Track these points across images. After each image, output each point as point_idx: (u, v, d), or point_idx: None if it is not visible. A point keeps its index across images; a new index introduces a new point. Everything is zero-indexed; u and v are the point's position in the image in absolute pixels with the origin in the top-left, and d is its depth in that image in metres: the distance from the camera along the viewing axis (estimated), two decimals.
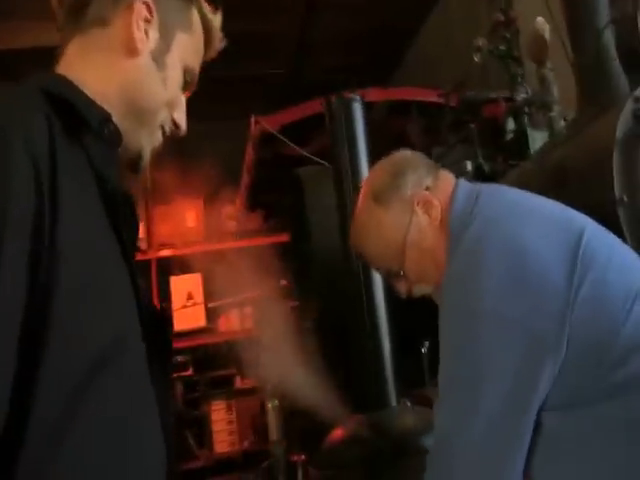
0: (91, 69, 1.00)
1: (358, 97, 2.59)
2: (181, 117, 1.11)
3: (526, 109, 2.65)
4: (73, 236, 0.81)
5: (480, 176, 3.03)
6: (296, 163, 3.89)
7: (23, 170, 0.78)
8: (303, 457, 3.40)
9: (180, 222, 9.18)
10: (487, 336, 1.20)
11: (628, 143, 1.75)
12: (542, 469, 1.23)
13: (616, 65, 1.93)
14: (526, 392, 1.19)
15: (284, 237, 4.90)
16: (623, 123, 1.77)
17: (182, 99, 1.11)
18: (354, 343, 2.50)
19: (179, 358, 8.53)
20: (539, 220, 1.34)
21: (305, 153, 3.69)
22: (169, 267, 8.51)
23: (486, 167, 3.07)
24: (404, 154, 1.60)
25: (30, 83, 0.94)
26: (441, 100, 3.37)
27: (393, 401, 2.41)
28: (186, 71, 1.08)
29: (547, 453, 1.21)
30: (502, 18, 2.73)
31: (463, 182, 1.53)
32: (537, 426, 1.21)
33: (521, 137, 2.75)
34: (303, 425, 3.78)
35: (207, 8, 1.13)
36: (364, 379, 2.47)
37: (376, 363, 2.44)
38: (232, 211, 8.08)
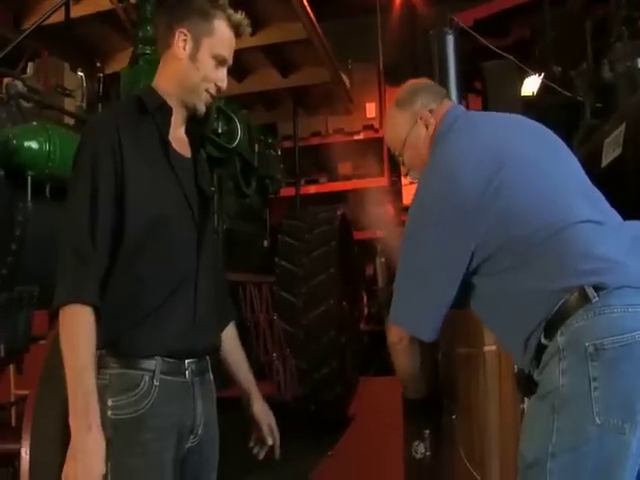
0: (163, 75, 1.83)
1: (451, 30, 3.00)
2: (221, 80, 1.82)
3: None
4: (132, 165, 1.68)
5: None
6: (491, 56, 4.21)
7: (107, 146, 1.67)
8: None
9: None
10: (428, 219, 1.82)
11: None
12: (477, 308, 1.87)
13: None
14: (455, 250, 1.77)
15: None
16: None
17: (218, 72, 1.82)
18: None
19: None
20: (473, 152, 1.82)
21: (492, 47, 4.01)
22: None
23: None
24: (424, 82, 2.13)
25: (137, 94, 1.85)
26: None
27: None
28: (215, 57, 1.79)
29: (478, 300, 1.84)
30: None
31: (454, 110, 2.01)
32: (472, 285, 1.81)
33: None
34: None
35: (230, 13, 1.82)
36: None
37: None
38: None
